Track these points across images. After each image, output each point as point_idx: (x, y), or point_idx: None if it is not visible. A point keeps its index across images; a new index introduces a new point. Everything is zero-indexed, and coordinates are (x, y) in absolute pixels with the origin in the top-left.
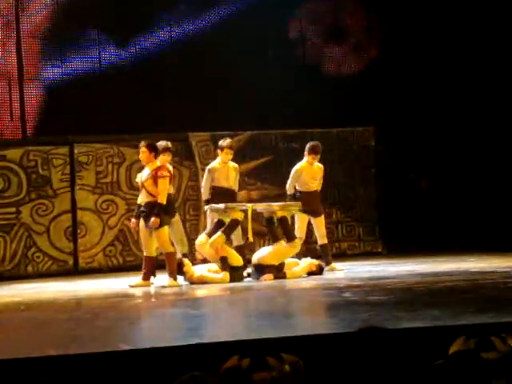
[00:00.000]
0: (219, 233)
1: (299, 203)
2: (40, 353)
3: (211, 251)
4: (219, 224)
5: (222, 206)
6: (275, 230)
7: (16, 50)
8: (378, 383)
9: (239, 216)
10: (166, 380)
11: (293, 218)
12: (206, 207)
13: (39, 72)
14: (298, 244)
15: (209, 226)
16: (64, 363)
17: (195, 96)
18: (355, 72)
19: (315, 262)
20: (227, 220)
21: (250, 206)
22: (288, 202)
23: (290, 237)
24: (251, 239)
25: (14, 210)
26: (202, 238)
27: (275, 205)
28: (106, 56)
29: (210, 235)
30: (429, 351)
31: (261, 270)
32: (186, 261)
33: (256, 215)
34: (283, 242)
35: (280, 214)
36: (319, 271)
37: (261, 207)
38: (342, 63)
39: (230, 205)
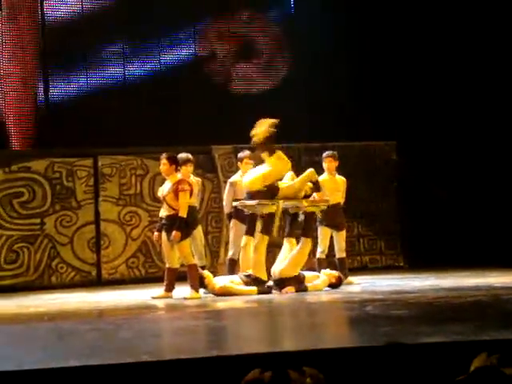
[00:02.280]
0: (259, 235)
1: (328, 199)
2: (63, 363)
3: (250, 257)
4: (252, 218)
5: (253, 202)
6: (295, 226)
7: (43, 61)
8: None
9: (272, 209)
10: None
11: (316, 230)
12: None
13: (65, 84)
14: (309, 243)
15: (231, 239)
16: (86, 374)
17: (219, 109)
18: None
19: (334, 273)
20: (261, 212)
21: (280, 201)
22: (316, 199)
23: (307, 233)
24: (275, 234)
25: (38, 220)
26: (244, 240)
27: (304, 200)
28: (130, 69)
29: (249, 233)
30: (450, 367)
31: (282, 283)
32: (207, 273)
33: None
34: (293, 241)
35: (309, 209)
36: (339, 283)
37: (290, 203)
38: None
39: (262, 201)
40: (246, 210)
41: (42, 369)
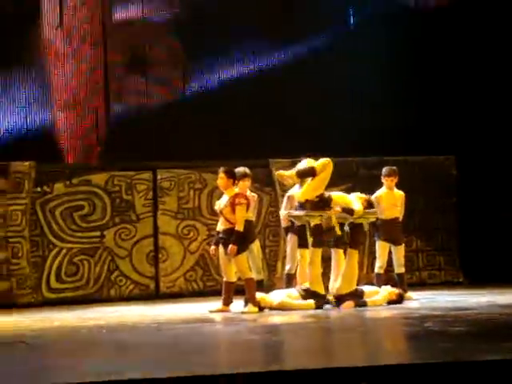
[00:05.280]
0: (311, 248)
1: (376, 210)
2: (121, 376)
3: (306, 269)
4: (302, 230)
5: (301, 212)
6: (341, 237)
7: (104, 76)
8: None
9: (320, 220)
10: None
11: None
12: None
13: (125, 99)
14: (356, 254)
15: (288, 253)
16: None
17: (277, 122)
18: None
19: (395, 290)
20: (312, 222)
21: (328, 212)
22: (366, 210)
23: (354, 245)
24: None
25: (98, 233)
26: (298, 253)
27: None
28: (190, 83)
29: (302, 246)
30: None
31: (340, 299)
32: (260, 295)
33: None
34: (340, 252)
35: (358, 221)
36: (399, 300)
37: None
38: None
39: (309, 212)
40: (295, 221)
41: (103, 381)
